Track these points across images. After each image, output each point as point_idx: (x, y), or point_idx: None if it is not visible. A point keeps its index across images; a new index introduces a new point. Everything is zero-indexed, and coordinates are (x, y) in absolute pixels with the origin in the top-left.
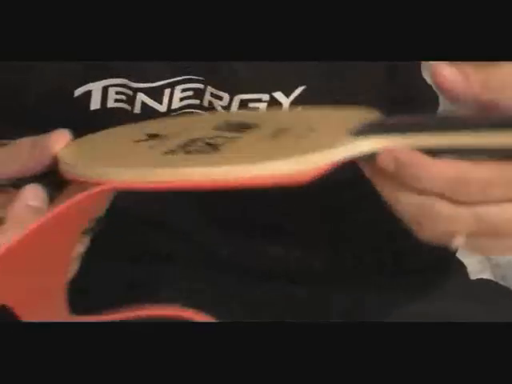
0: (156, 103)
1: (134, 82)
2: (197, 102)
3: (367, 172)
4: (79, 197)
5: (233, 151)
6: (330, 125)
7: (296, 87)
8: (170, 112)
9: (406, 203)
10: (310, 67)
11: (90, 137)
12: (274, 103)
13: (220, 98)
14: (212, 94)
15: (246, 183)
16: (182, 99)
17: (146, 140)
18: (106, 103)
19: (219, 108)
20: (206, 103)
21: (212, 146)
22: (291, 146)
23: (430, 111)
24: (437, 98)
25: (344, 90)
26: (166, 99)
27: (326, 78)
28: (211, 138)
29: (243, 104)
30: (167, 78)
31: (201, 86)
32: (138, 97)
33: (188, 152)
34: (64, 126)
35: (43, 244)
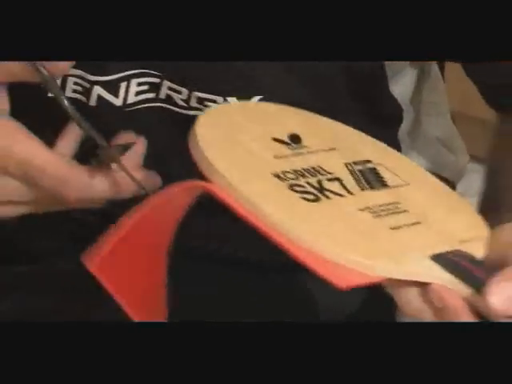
0: (112, 96)
1: (91, 74)
2: (152, 95)
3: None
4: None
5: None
6: (431, 226)
7: (253, 96)
8: (125, 106)
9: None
10: (271, 76)
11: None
12: None
13: (179, 93)
14: (170, 88)
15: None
16: (137, 93)
17: (288, 145)
18: (64, 92)
19: (179, 102)
20: (162, 96)
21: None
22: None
23: (394, 125)
24: (402, 111)
25: (305, 101)
26: (121, 93)
27: (284, 88)
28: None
29: (199, 102)
30: (124, 71)
31: (157, 80)
32: (94, 89)
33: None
34: (24, 112)
35: (145, 234)
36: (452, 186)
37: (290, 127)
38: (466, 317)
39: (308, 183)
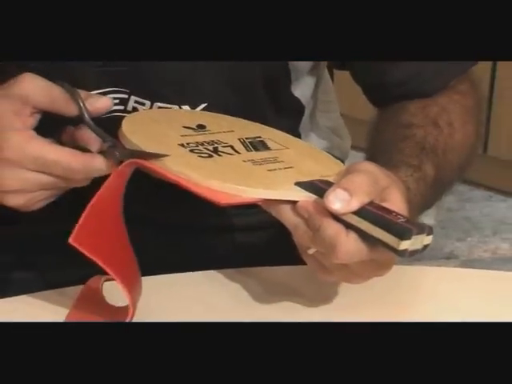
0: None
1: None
2: (122, 107)
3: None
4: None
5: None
6: (300, 169)
7: (199, 103)
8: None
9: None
10: (213, 86)
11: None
12: None
13: (143, 104)
14: (136, 101)
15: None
16: None
17: (195, 130)
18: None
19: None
20: (129, 108)
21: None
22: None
23: (297, 118)
24: (303, 108)
25: (233, 102)
26: None
27: (221, 95)
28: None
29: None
30: (100, 89)
31: (126, 96)
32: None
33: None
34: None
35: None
36: (341, 162)
37: (199, 120)
38: (326, 221)
39: (205, 148)
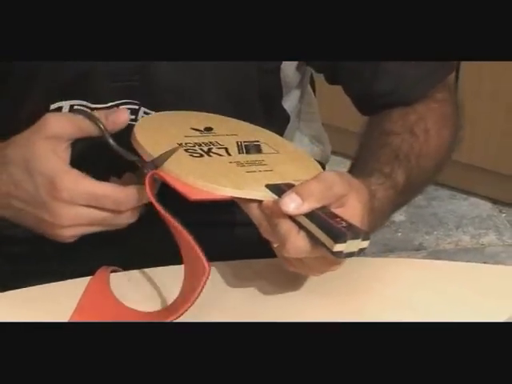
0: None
1: (92, 103)
2: (133, 117)
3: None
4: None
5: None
6: (277, 172)
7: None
8: None
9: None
10: (215, 99)
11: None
12: None
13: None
14: (145, 112)
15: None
16: None
17: (201, 132)
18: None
19: None
20: (139, 118)
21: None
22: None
23: (284, 126)
24: (289, 117)
25: (230, 109)
26: None
27: (218, 105)
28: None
29: None
30: (114, 101)
31: (136, 107)
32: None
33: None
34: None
35: None
36: (323, 166)
37: (209, 123)
38: (281, 220)
39: (200, 148)
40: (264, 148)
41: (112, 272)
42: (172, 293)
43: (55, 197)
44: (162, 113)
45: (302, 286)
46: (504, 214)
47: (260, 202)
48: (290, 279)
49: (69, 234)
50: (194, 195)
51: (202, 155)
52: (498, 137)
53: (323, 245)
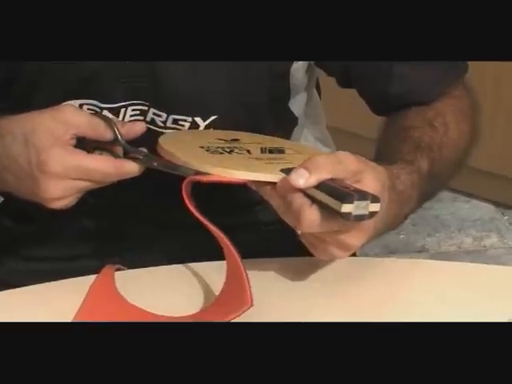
0: (115, 117)
1: (101, 103)
2: (141, 118)
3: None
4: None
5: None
6: (296, 164)
7: (210, 115)
8: None
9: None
10: (224, 101)
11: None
12: (195, 124)
13: (160, 116)
14: (154, 113)
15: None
16: (131, 116)
17: (226, 141)
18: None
19: (159, 123)
20: (148, 119)
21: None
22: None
23: (291, 128)
24: (297, 120)
25: (241, 115)
26: (121, 115)
27: (229, 110)
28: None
29: (174, 122)
30: (124, 101)
31: (145, 108)
32: (103, 113)
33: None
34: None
35: None
36: None
37: (235, 135)
38: (295, 196)
39: (222, 149)
40: (288, 151)
41: (116, 270)
42: (177, 292)
43: (43, 170)
44: (188, 130)
45: (305, 286)
46: (506, 217)
47: (275, 184)
48: (293, 279)
49: (60, 204)
50: (209, 178)
51: (221, 153)
52: (500, 139)
53: (333, 210)
